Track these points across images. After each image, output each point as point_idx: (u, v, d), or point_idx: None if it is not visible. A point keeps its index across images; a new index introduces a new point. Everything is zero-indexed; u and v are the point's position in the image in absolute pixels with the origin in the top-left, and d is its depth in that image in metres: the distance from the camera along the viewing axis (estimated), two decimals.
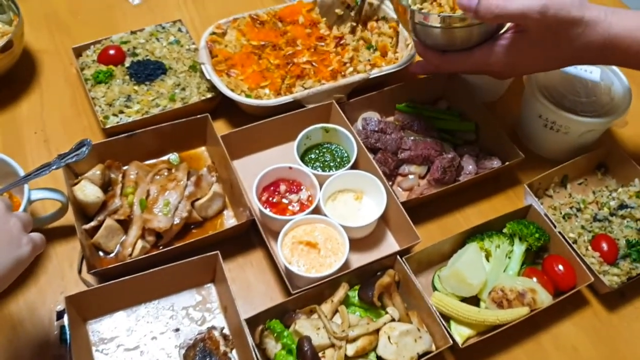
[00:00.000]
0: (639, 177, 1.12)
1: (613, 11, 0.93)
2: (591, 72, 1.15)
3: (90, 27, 1.35)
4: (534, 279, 0.98)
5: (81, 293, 0.91)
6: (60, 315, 0.94)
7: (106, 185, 1.06)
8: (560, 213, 1.09)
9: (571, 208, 1.11)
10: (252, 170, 1.12)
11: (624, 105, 1.11)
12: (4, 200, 0.79)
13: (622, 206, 1.09)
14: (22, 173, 0.97)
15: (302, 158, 1.12)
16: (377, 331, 0.90)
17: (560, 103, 1.11)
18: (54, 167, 0.95)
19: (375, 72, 1.19)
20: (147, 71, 1.18)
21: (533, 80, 1.13)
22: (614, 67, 1.17)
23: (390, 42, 1.28)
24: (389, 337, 0.89)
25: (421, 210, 1.08)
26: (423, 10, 1.03)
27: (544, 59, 0.98)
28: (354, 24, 1.28)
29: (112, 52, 1.20)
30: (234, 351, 0.92)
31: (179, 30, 1.28)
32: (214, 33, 1.21)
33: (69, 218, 1.01)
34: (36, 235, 0.80)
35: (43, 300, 0.96)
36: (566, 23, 0.91)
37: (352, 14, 1.28)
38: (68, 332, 0.90)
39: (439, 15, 0.98)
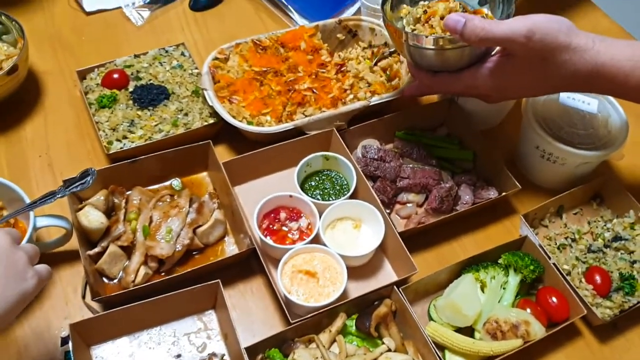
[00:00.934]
0: (634, 209, 1.14)
1: (602, 39, 0.94)
2: (589, 104, 1.17)
3: (94, 48, 1.37)
4: (528, 310, 1.00)
5: (85, 320, 0.93)
6: (64, 341, 0.96)
7: (110, 211, 1.08)
8: (555, 244, 1.11)
9: (566, 238, 1.13)
10: (253, 196, 1.14)
11: (621, 138, 1.13)
12: (10, 233, 0.81)
13: (616, 238, 1.11)
14: (27, 199, 0.99)
15: (302, 185, 1.14)
16: None
17: (557, 135, 1.13)
18: (59, 196, 0.97)
19: (375, 100, 1.21)
20: (151, 96, 1.20)
21: (530, 111, 1.15)
22: (612, 99, 1.19)
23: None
24: None
25: (418, 238, 1.10)
26: (415, 32, 1.06)
27: (530, 83, 1.00)
28: (368, 60, 1.30)
29: (115, 75, 1.22)
30: None
31: (182, 54, 1.30)
32: (216, 58, 1.23)
33: (73, 242, 1.03)
34: (42, 268, 0.82)
35: (48, 325, 0.98)
36: (553, 49, 0.92)
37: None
38: (72, 358, 0.92)
39: (431, 37, 1.01)
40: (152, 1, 1.45)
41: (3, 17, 1.25)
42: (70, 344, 0.92)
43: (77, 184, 0.97)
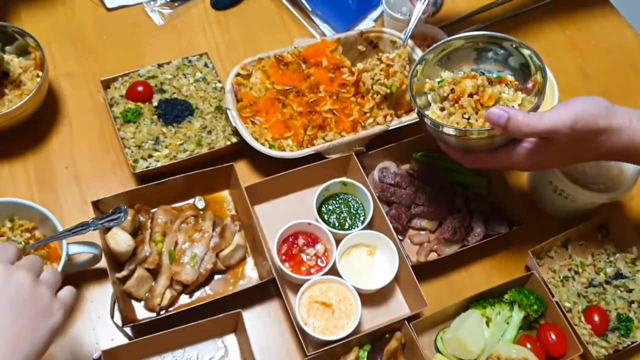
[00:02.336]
0: (637, 245, 1.19)
1: (639, 116, 0.95)
2: None
3: (117, 50, 1.37)
4: (528, 346, 1.07)
5: (116, 347, 0.99)
6: None
7: (136, 230, 1.13)
8: (559, 277, 1.17)
9: (569, 270, 1.18)
10: (272, 215, 1.19)
11: (632, 180, 1.16)
12: (32, 269, 0.80)
13: (617, 275, 1.17)
14: (60, 227, 1.04)
15: (320, 207, 1.18)
16: None
17: (570, 173, 1.16)
18: (91, 228, 1.01)
19: (394, 124, 1.23)
20: (175, 112, 1.22)
21: None
22: None
23: None
24: None
25: (430, 266, 1.16)
26: (439, 118, 1.05)
27: (568, 160, 1.01)
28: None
29: (140, 88, 1.23)
30: None
31: (205, 65, 1.30)
32: (239, 74, 1.24)
33: (102, 262, 1.08)
34: (65, 294, 0.83)
35: (80, 344, 1.05)
36: (593, 132, 0.93)
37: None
38: None
39: (454, 128, 1.00)
40: None
41: (17, 35, 1.24)
42: None
43: (109, 219, 1.01)
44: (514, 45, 1.08)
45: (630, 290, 1.15)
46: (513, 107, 1.02)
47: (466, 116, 1.02)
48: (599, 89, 1.44)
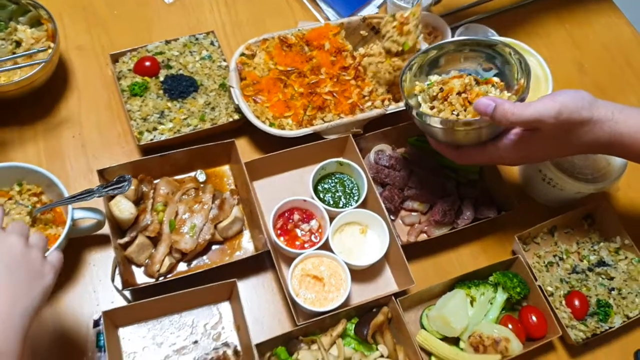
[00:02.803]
0: (621, 235, 1.23)
1: (621, 109, 0.99)
2: None
3: (126, 25, 1.41)
4: (510, 326, 1.12)
5: (117, 308, 1.05)
6: (96, 323, 1.08)
7: (139, 199, 1.18)
8: (544, 262, 1.21)
9: (554, 256, 1.23)
10: (270, 192, 1.23)
11: (619, 171, 1.20)
12: (22, 233, 0.85)
13: (600, 263, 1.21)
14: (66, 193, 1.08)
15: (316, 185, 1.23)
16: None
17: (559, 163, 1.20)
18: (96, 195, 1.05)
19: (392, 108, 1.27)
20: (181, 88, 1.26)
21: None
22: None
23: None
24: None
25: (419, 247, 1.20)
26: (428, 112, 1.09)
27: (553, 152, 1.05)
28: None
29: (147, 63, 1.27)
30: None
31: (212, 43, 1.34)
32: (243, 54, 1.28)
33: (105, 228, 1.13)
34: (54, 258, 0.88)
35: (80, 305, 1.10)
36: (577, 123, 0.97)
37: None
38: (103, 340, 1.04)
39: (439, 118, 1.04)
40: None
41: (30, 6, 1.27)
42: (101, 326, 1.05)
43: (114, 187, 1.06)
44: (503, 49, 1.12)
45: (611, 278, 1.19)
46: None
47: (455, 113, 1.06)
48: (594, 83, 1.47)
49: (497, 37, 1.38)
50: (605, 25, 1.58)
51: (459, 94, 1.07)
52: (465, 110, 1.06)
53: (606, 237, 1.25)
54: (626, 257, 1.22)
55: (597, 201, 1.27)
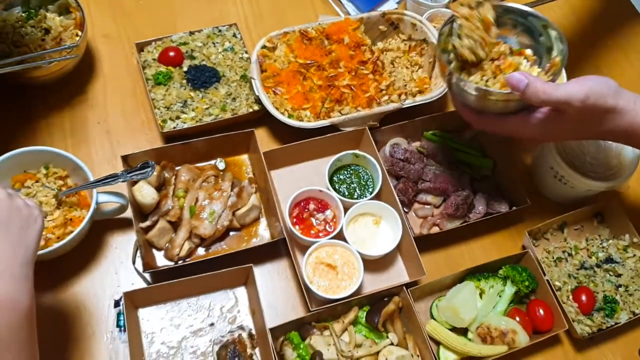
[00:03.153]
0: (630, 233, 1.25)
1: None
2: None
3: (151, 13, 1.45)
4: (517, 319, 1.15)
5: (137, 290, 1.09)
6: (117, 303, 1.12)
7: (160, 185, 1.22)
8: (553, 257, 1.24)
9: (563, 252, 1.25)
10: (287, 181, 1.27)
11: (630, 170, 1.22)
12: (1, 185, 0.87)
13: (608, 260, 1.23)
14: (91, 177, 1.12)
15: (332, 176, 1.26)
16: (377, 353, 1.09)
17: (571, 161, 1.22)
18: (120, 180, 1.10)
19: (408, 102, 1.30)
20: (203, 78, 1.29)
21: None
22: None
23: (429, 64, 1.37)
24: (386, 359, 1.08)
25: (431, 239, 1.23)
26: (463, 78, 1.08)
27: (575, 134, 1.06)
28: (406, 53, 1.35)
29: (172, 53, 1.31)
30: (257, 350, 1.10)
31: (234, 35, 1.38)
32: (264, 47, 1.31)
33: (127, 212, 1.17)
34: (33, 203, 0.89)
35: (102, 286, 1.14)
36: (601, 110, 0.99)
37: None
38: (124, 320, 1.09)
39: (475, 86, 1.05)
40: None
41: None
42: (122, 306, 1.09)
43: (137, 172, 1.10)
44: (542, 24, 1.12)
45: (618, 275, 1.22)
46: None
47: (485, 78, 1.07)
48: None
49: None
50: (627, 29, 1.59)
51: (492, 60, 1.07)
52: (494, 77, 1.07)
53: (615, 234, 1.28)
54: (634, 255, 1.24)
55: (607, 199, 1.29)
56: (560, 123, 1.03)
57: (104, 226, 1.19)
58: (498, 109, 1.07)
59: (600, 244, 1.27)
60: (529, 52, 1.12)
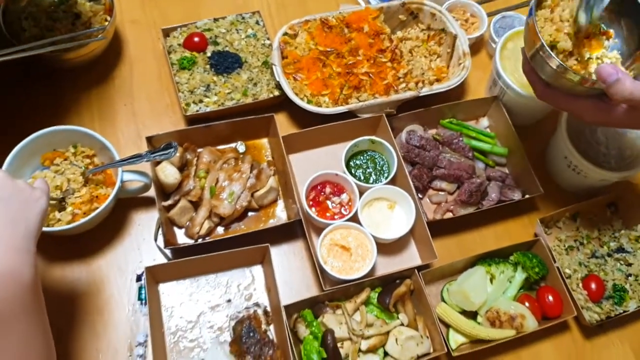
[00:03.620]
0: None
1: None
2: None
3: (178, 2, 1.49)
4: (526, 304, 1.17)
5: (158, 265, 1.14)
6: (139, 278, 1.17)
7: (183, 166, 1.26)
8: (564, 245, 1.26)
9: (575, 241, 1.27)
10: (304, 165, 1.30)
11: None
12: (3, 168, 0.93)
13: (619, 249, 1.25)
14: (117, 156, 1.17)
15: (348, 161, 1.29)
16: (387, 332, 1.12)
17: (585, 151, 1.24)
18: (144, 160, 1.14)
19: (425, 91, 1.33)
20: (226, 64, 1.34)
21: (563, 125, 1.25)
22: None
23: (447, 54, 1.40)
24: (396, 339, 1.11)
25: (444, 224, 1.26)
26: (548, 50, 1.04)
27: (629, 126, 1.06)
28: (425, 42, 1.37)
29: (196, 39, 1.35)
30: (272, 326, 1.15)
31: (257, 22, 1.41)
32: (286, 34, 1.35)
33: (150, 191, 1.22)
34: (41, 184, 0.94)
35: (125, 260, 1.20)
36: None
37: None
38: (145, 293, 1.14)
39: (559, 63, 1.01)
40: None
41: None
42: (143, 280, 1.14)
43: (161, 152, 1.14)
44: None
45: (629, 265, 1.23)
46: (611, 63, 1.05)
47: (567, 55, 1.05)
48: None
49: None
50: None
51: (587, 37, 1.06)
52: (578, 60, 1.06)
53: (628, 225, 1.29)
54: None
55: (621, 190, 1.30)
56: (632, 119, 1.02)
57: (128, 204, 1.24)
58: (568, 88, 1.05)
59: (613, 234, 1.28)
60: (612, 32, 1.10)
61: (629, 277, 1.21)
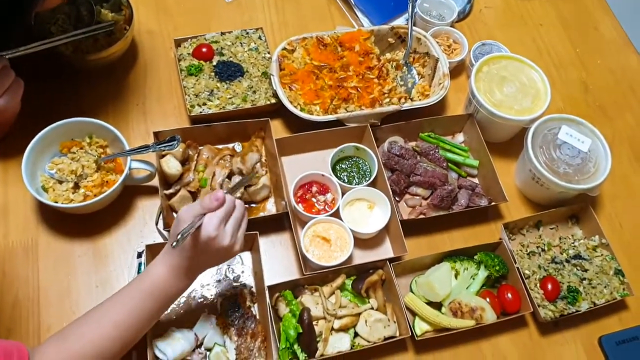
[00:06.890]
0: (599, 235, 1.39)
1: None
2: (582, 142, 1.40)
3: (190, 15, 1.65)
4: (487, 300, 1.29)
5: (157, 244, 1.26)
6: (139, 255, 1.30)
7: (185, 160, 1.40)
8: (527, 250, 1.38)
9: (537, 247, 1.39)
10: (295, 167, 1.44)
11: (601, 178, 1.36)
12: None
13: (577, 256, 1.37)
14: (127, 146, 1.31)
15: (334, 165, 1.43)
16: (358, 314, 1.24)
17: (549, 164, 1.37)
18: (150, 150, 1.29)
19: (407, 106, 1.47)
20: (229, 72, 1.49)
21: (530, 140, 1.38)
22: (605, 142, 1.41)
23: (428, 76, 1.54)
24: (366, 321, 1.23)
25: (417, 225, 1.39)
26: None
27: None
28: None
29: (204, 49, 1.51)
30: (255, 305, 1.27)
31: (259, 38, 1.57)
32: (285, 48, 1.50)
33: (154, 181, 1.36)
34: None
35: (128, 240, 1.33)
36: None
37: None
38: (144, 269, 1.26)
39: None
40: None
41: None
42: (143, 258, 1.27)
43: (165, 144, 1.28)
44: None
45: (585, 270, 1.35)
46: None
47: None
48: (597, 101, 1.64)
49: (508, 53, 1.56)
50: (615, 53, 1.74)
51: None
52: None
53: (587, 235, 1.41)
54: (602, 255, 1.37)
55: (582, 203, 1.42)
56: None
57: (134, 192, 1.38)
58: None
59: (572, 242, 1.40)
60: None
61: (584, 281, 1.33)
